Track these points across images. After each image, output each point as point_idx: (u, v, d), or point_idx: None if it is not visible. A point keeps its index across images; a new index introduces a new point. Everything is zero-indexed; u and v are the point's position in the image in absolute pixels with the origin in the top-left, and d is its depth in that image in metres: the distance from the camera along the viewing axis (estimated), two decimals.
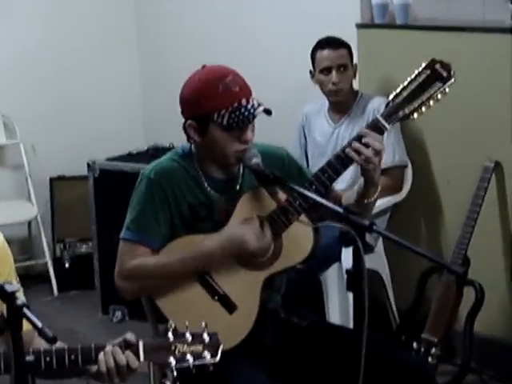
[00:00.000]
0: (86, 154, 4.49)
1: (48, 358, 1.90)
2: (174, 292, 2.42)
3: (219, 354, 1.93)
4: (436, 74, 2.35)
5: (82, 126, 5.01)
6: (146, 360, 1.92)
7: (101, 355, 1.92)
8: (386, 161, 3.66)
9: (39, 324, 1.67)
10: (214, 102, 2.38)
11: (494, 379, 3.54)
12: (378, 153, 2.37)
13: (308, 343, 2.51)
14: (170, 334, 1.92)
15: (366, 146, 2.36)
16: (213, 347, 1.92)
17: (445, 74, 2.35)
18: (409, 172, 3.80)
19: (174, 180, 2.48)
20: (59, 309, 4.57)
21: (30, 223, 4.89)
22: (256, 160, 2.41)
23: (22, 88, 4.81)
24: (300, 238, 2.44)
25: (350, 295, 2.10)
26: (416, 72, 2.36)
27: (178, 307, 2.41)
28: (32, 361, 1.83)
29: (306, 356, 2.50)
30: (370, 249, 3.70)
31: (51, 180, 4.93)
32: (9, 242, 2.13)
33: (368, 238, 3.49)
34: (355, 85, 3.84)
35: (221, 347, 1.93)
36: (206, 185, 2.49)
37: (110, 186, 4.30)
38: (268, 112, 2.42)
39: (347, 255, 3.29)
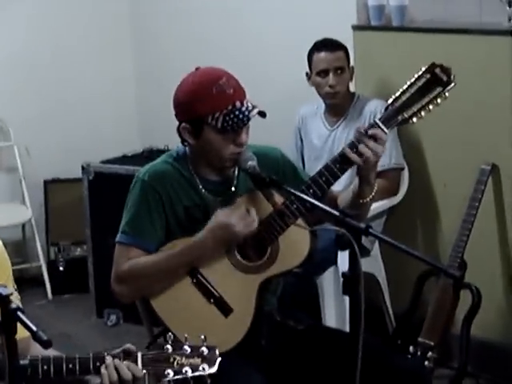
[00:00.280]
0: (80, 157, 4.48)
1: (46, 367, 1.90)
2: (170, 295, 2.43)
3: (216, 367, 1.93)
4: (436, 79, 2.36)
5: (77, 128, 5.01)
6: (143, 371, 1.92)
7: (103, 369, 1.91)
8: (383, 163, 3.67)
9: (34, 328, 1.67)
10: (208, 105, 2.39)
11: (491, 383, 3.54)
12: (376, 154, 2.38)
13: (304, 347, 2.52)
14: (169, 346, 1.92)
15: (367, 147, 2.36)
16: (211, 360, 1.92)
17: (445, 78, 2.36)
18: (405, 174, 3.81)
19: (168, 182, 2.48)
20: (53, 312, 4.57)
21: (23, 226, 4.89)
22: (252, 163, 2.42)
23: (15, 90, 4.81)
24: (297, 241, 2.45)
25: (346, 299, 2.10)
26: (416, 76, 2.36)
27: (174, 310, 2.42)
28: (27, 364, 1.83)
29: (302, 360, 2.50)
30: (366, 252, 3.71)
31: (45, 183, 4.92)
32: (3, 245, 2.13)
33: (364, 241, 3.53)
34: (352, 87, 3.84)
35: (219, 360, 1.93)
36: (200, 187, 2.50)
37: (104, 189, 4.30)
38: (262, 114, 2.42)
39: (343, 258, 3.29)
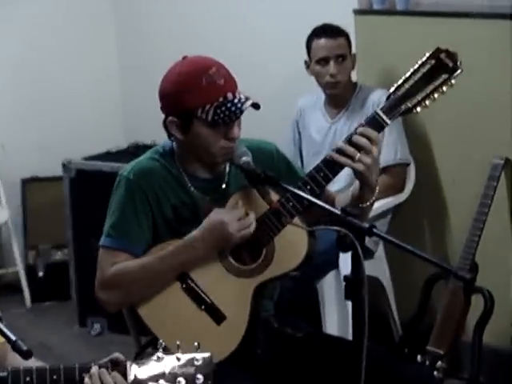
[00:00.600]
0: (60, 153, 4.48)
1: (28, 378, 1.89)
2: (158, 302, 2.43)
3: (212, 377, 1.92)
4: (441, 65, 2.36)
5: (57, 123, 5.00)
6: (134, 382, 1.91)
7: (86, 379, 1.92)
8: (388, 158, 3.68)
9: (12, 337, 1.67)
10: (198, 97, 2.38)
11: None
12: (368, 152, 2.36)
13: (303, 355, 2.52)
14: (161, 354, 1.92)
15: (356, 146, 2.35)
16: (206, 369, 1.91)
17: (451, 64, 2.36)
18: (411, 170, 3.81)
19: (154, 180, 2.48)
20: (32, 321, 4.57)
21: None
22: (246, 158, 2.42)
23: None
24: (293, 242, 2.45)
25: (349, 304, 2.11)
26: (419, 62, 2.36)
27: (163, 318, 2.42)
28: (5, 377, 1.83)
29: (301, 370, 2.50)
30: (369, 254, 3.71)
31: (23, 181, 4.92)
32: None
33: (368, 242, 3.53)
34: (353, 76, 3.85)
35: (214, 368, 1.93)
36: (189, 185, 2.50)
37: (87, 188, 4.30)
38: (256, 106, 2.42)
39: (345, 261, 3.29)
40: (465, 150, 3.73)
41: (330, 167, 2.40)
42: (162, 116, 2.49)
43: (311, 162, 3.67)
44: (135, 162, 2.54)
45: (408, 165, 3.79)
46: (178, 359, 1.90)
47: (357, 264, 2.05)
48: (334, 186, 3.33)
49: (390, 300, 3.84)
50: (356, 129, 2.40)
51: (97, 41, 5.10)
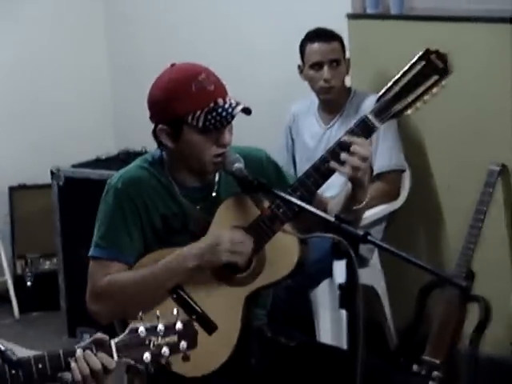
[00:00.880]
0: (49, 160, 4.48)
1: (13, 371, 1.90)
2: (149, 312, 2.42)
3: (195, 341, 1.98)
4: (432, 66, 2.36)
5: (45, 129, 5.00)
6: (120, 359, 1.95)
7: (73, 363, 1.94)
8: (382, 165, 3.68)
9: (1, 347, 1.68)
10: (188, 103, 2.39)
11: None
12: (365, 159, 2.37)
13: (297, 365, 2.52)
14: (142, 329, 1.95)
15: (352, 154, 2.36)
16: (189, 336, 1.97)
17: (441, 65, 2.36)
18: (406, 177, 3.82)
19: (143, 189, 2.49)
20: (20, 332, 4.55)
21: None
22: (238, 165, 2.42)
23: None
24: (285, 249, 2.45)
25: (343, 313, 2.11)
26: (410, 63, 2.37)
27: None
28: None
29: (296, 379, 2.50)
30: (364, 262, 3.72)
31: (11, 189, 4.91)
32: None
33: (362, 249, 3.53)
34: (347, 81, 3.85)
35: (196, 333, 1.98)
36: (178, 194, 2.50)
37: (76, 196, 4.30)
38: (247, 111, 2.43)
39: (339, 269, 3.31)
40: (461, 155, 3.73)
41: (320, 173, 2.42)
42: (152, 123, 2.50)
43: (304, 168, 3.65)
44: (124, 171, 2.54)
45: (403, 171, 3.79)
46: (160, 330, 1.95)
47: (351, 272, 2.05)
48: (328, 193, 3.34)
49: (385, 309, 3.84)
50: (345, 133, 2.40)
51: (86, 45, 5.09)
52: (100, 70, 5.14)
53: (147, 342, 1.94)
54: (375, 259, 3.81)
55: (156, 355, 1.94)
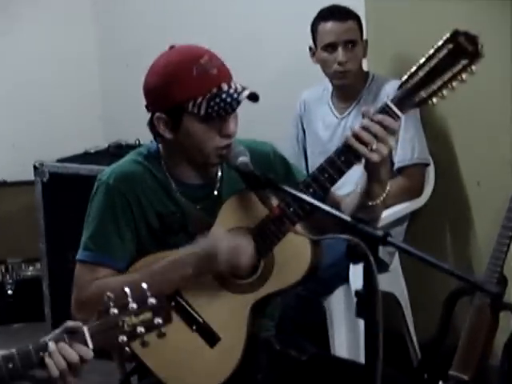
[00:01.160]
0: (32, 155, 4.49)
1: None
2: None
3: (171, 315, 2.02)
4: (460, 49, 2.36)
5: (28, 120, 5.01)
6: (95, 346, 1.98)
7: (47, 359, 1.97)
8: (404, 158, 3.68)
9: None
10: (189, 89, 2.39)
11: None
12: (385, 141, 2.34)
13: (309, 381, 2.53)
14: (114, 310, 1.98)
15: (373, 130, 2.35)
16: (162, 310, 2.00)
17: (471, 48, 2.36)
18: (431, 172, 3.82)
19: (137, 186, 2.49)
20: (1, 345, 4.55)
21: None
22: (243, 159, 2.43)
23: None
24: (295, 253, 2.45)
25: (361, 323, 2.11)
26: (435, 47, 2.36)
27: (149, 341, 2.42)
28: None
29: None
30: (384, 266, 3.72)
31: None
32: None
33: (382, 252, 3.54)
34: (364, 65, 3.85)
35: (170, 306, 2.04)
36: (176, 191, 2.51)
37: (62, 193, 4.31)
38: (254, 97, 2.43)
39: (356, 274, 3.30)
40: (492, 148, 3.73)
41: (336, 167, 2.41)
42: (147, 112, 2.50)
43: (317, 163, 3.65)
44: (115, 166, 2.55)
45: (427, 165, 3.80)
46: (133, 308, 1.98)
47: (369, 278, 2.05)
48: (343, 190, 3.34)
49: (407, 318, 3.85)
50: (364, 115, 2.39)
51: (72, 27, 5.10)
52: (87, 57, 5.14)
53: (121, 324, 1.97)
54: (396, 263, 3.81)
55: (132, 336, 1.98)
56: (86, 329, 1.99)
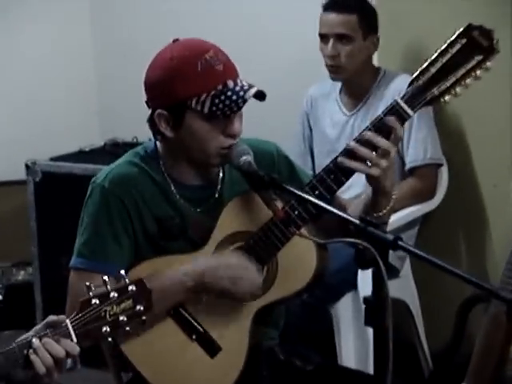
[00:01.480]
0: (23, 153, 4.49)
1: None
2: (142, 333, 2.43)
3: (151, 301, 2.05)
4: (474, 44, 2.36)
5: (20, 117, 5.01)
6: (79, 339, 2.01)
7: (32, 356, 1.98)
8: (416, 158, 3.68)
9: None
10: (192, 85, 2.39)
11: None
12: (385, 153, 2.34)
13: None
14: (95, 300, 2.01)
15: (368, 145, 2.35)
16: (143, 297, 2.03)
17: (485, 43, 2.36)
18: (444, 172, 3.82)
19: (134, 189, 2.49)
20: None
21: None
22: (246, 158, 2.42)
23: None
24: (301, 257, 2.45)
25: (369, 331, 2.11)
26: (448, 41, 2.37)
27: (148, 351, 2.42)
28: None
29: None
30: (394, 272, 3.72)
31: None
32: None
33: (392, 257, 3.54)
34: (375, 60, 3.85)
35: (151, 291, 2.04)
36: (175, 194, 2.51)
37: (55, 194, 4.31)
38: (261, 96, 2.43)
39: (365, 280, 3.31)
40: (508, 149, 3.73)
41: (343, 169, 2.40)
42: (145, 109, 2.50)
43: (325, 163, 3.64)
44: (111, 168, 2.54)
45: (440, 166, 3.80)
46: (113, 296, 2.01)
47: (379, 284, 2.05)
48: (350, 192, 3.34)
49: (419, 327, 3.85)
50: (372, 123, 2.39)
51: (67, 18, 5.10)
52: (83, 49, 5.14)
53: (103, 314, 2.01)
54: (407, 269, 3.81)
55: (114, 326, 2.01)
56: (68, 322, 2.01)
